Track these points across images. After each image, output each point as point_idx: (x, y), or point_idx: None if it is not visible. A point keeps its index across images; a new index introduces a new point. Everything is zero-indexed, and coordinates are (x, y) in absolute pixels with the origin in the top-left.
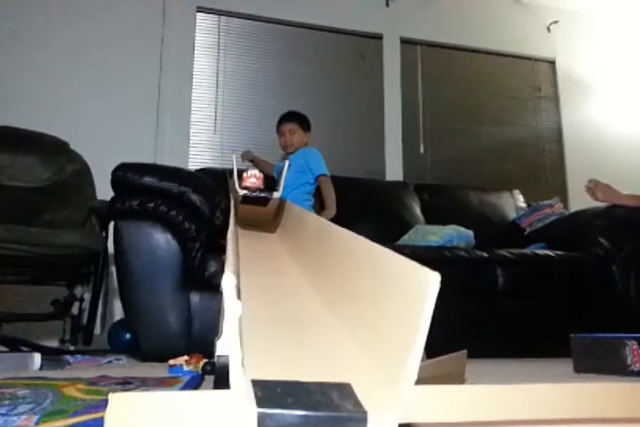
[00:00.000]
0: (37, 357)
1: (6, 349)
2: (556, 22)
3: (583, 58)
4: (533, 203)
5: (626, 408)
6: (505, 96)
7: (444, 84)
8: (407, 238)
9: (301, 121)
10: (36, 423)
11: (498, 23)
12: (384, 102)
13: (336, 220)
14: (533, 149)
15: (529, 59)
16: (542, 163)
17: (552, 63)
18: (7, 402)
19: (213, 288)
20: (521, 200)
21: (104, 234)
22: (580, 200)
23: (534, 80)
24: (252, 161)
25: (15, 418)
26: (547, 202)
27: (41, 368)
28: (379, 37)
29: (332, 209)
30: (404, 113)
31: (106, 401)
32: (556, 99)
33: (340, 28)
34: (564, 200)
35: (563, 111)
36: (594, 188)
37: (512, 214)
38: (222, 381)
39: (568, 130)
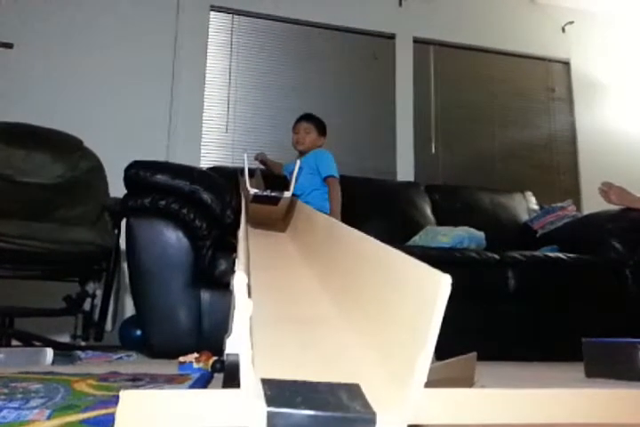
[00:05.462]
0: (49, 352)
1: (19, 343)
2: (571, 23)
3: (598, 59)
4: (546, 205)
5: (636, 415)
6: (518, 97)
7: (457, 84)
8: (417, 239)
9: (318, 124)
10: (48, 418)
11: (512, 23)
12: (396, 102)
13: (346, 220)
14: (546, 151)
15: (543, 59)
16: (555, 164)
17: (566, 64)
18: (20, 396)
19: (223, 286)
20: (533, 202)
21: (116, 231)
22: (593, 203)
23: (548, 81)
24: (263, 162)
25: (27, 412)
26: (559, 204)
27: (53, 363)
28: (391, 37)
29: (336, 215)
30: (416, 113)
31: (116, 397)
32: (570, 100)
33: (353, 27)
34: (577, 203)
35: (577, 113)
36: (607, 190)
37: (524, 216)
38: (232, 379)
39: (582, 132)
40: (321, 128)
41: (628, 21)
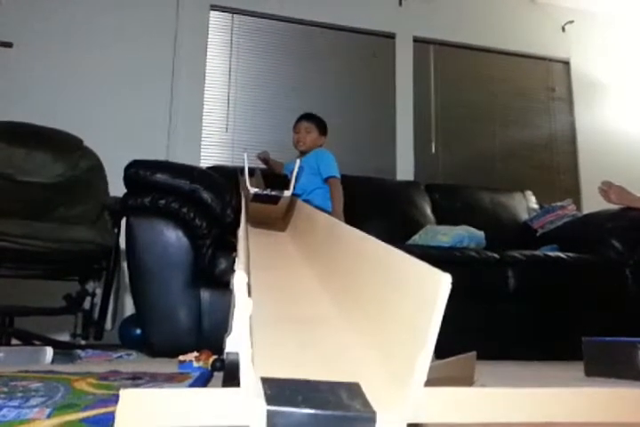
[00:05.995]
0: (49, 350)
1: (19, 342)
2: (571, 22)
3: (598, 59)
4: (546, 204)
5: (636, 414)
6: (518, 96)
7: (457, 83)
8: (417, 238)
9: (319, 123)
10: (48, 416)
11: (512, 23)
12: (396, 101)
13: (346, 219)
14: (546, 150)
15: (543, 59)
16: (555, 164)
17: (566, 64)
18: (20, 395)
19: (223, 285)
20: (533, 201)
21: (116, 230)
22: (593, 202)
23: (548, 81)
24: (265, 161)
25: (28, 411)
26: (559, 203)
27: (53, 362)
28: (391, 36)
29: (339, 215)
30: (416, 112)
31: (116, 396)
32: (569, 100)
33: (353, 26)
34: (577, 202)
35: (576, 112)
36: (607, 190)
37: (524, 216)
38: (231, 378)
39: (582, 131)
40: (322, 127)
41: (628, 21)
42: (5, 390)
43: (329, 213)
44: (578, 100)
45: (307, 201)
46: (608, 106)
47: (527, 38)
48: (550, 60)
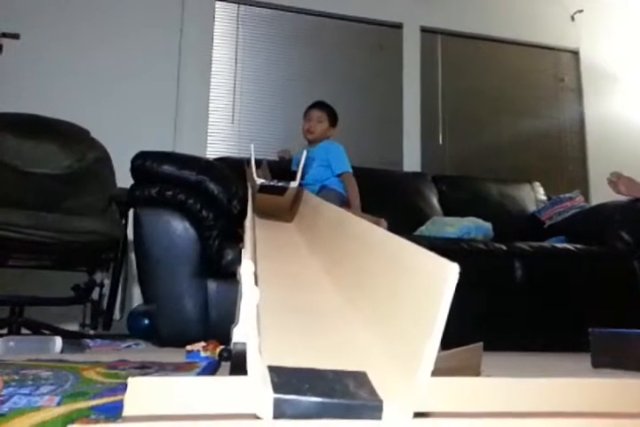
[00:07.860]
0: (59, 340)
1: (29, 332)
2: (580, 11)
3: (607, 48)
4: (554, 196)
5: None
6: (527, 86)
7: (465, 74)
8: (424, 230)
9: (331, 113)
10: (58, 404)
11: (520, 12)
12: (403, 92)
13: None
14: (555, 141)
15: (552, 49)
16: (564, 155)
17: (575, 53)
18: (30, 383)
19: (230, 276)
20: (541, 193)
21: (124, 221)
22: (601, 193)
23: (557, 70)
24: (282, 158)
25: (38, 398)
26: (567, 195)
27: (62, 351)
28: (398, 26)
29: (357, 209)
30: (423, 103)
31: (124, 385)
32: (579, 90)
33: (360, 16)
34: (585, 193)
35: (586, 102)
36: (616, 181)
37: (532, 207)
38: (238, 367)
39: (591, 121)
40: (333, 118)
41: (638, 10)
42: (16, 378)
43: (344, 197)
44: (587, 90)
45: (324, 186)
46: (618, 96)
47: (536, 28)
48: (559, 49)
